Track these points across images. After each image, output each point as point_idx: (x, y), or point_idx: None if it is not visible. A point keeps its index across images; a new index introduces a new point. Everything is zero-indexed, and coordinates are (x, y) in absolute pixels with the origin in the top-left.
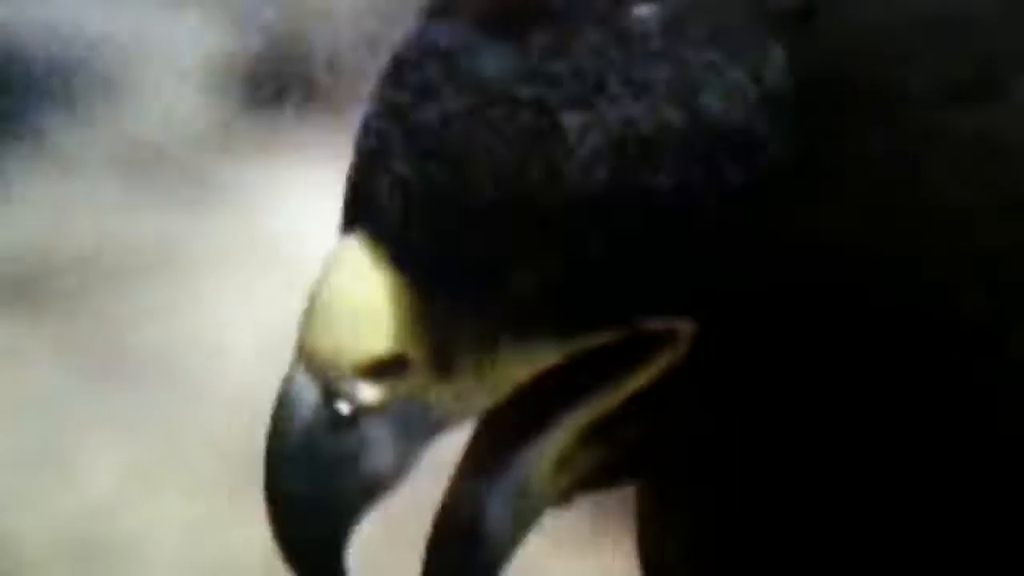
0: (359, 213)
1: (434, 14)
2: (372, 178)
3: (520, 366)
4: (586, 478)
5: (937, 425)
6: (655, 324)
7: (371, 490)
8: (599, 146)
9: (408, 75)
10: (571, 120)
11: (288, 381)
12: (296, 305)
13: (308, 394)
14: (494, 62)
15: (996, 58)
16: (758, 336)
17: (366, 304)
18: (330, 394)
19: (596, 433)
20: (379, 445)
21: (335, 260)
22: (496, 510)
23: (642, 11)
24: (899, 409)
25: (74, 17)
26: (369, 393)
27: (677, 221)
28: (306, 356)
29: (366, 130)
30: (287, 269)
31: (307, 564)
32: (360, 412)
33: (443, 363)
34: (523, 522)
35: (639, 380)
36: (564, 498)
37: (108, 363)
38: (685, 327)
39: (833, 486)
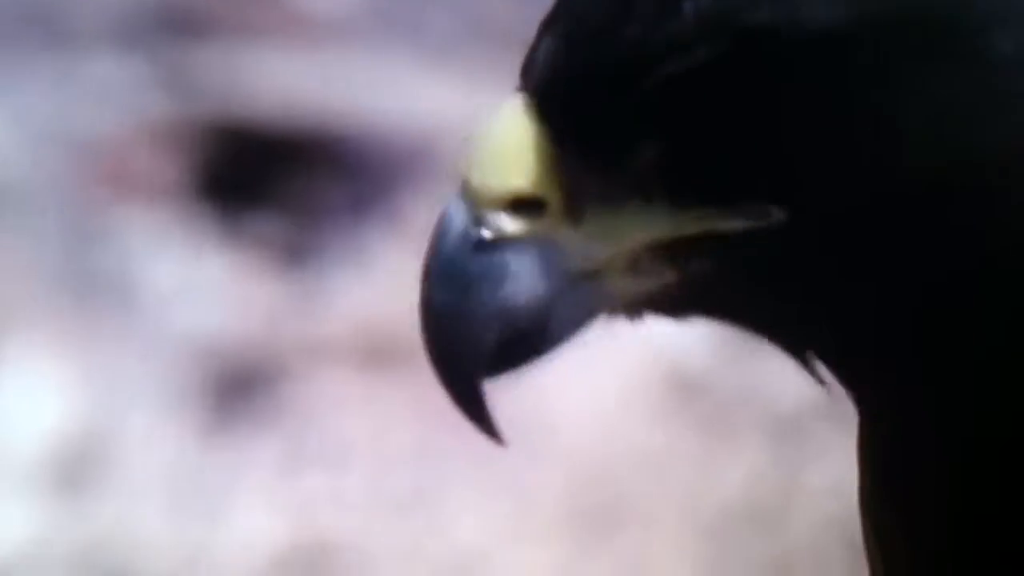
0: (524, 72)
1: None
2: (538, 44)
3: (639, 228)
4: (652, 297)
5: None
6: (753, 210)
7: (506, 313)
8: (707, 29)
9: None
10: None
11: (445, 207)
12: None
13: (458, 219)
14: None
15: None
16: (830, 232)
17: (515, 148)
18: (476, 221)
19: (669, 253)
20: (515, 273)
21: (499, 110)
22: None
23: None
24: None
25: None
26: (508, 224)
27: (765, 114)
28: (461, 187)
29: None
30: None
31: (448, 374)
32: (499, 239)
33: (574, 210)
34: (587, 305)
35: (722, 223)
36: (630, 308)
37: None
38: (777, 213)
39: None
